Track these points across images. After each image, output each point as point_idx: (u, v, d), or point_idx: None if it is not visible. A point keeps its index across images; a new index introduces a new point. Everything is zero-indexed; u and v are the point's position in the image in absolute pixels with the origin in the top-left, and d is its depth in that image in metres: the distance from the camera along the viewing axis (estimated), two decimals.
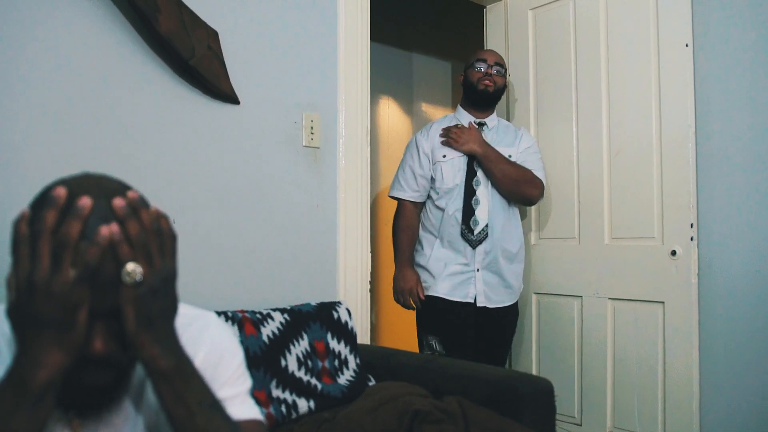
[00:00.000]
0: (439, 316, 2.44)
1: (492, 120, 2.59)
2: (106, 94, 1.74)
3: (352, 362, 1.97)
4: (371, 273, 2.37)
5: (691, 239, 2.27)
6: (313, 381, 1.84)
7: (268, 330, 1.81)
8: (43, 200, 0.78)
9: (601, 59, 2.55)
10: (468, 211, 2.42)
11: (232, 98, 1.98)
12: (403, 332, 3.61)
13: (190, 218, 1.87)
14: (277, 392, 1.74)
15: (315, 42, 2.22)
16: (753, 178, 2.20)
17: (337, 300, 2.15)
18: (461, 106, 2.62)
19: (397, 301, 2.52)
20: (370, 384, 1.92)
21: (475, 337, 2.45)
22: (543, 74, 2.77)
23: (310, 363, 1.87)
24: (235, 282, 1.97)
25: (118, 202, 0.78)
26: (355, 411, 1.66)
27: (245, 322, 1.77)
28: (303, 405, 1.77)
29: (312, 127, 2.18)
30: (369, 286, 2.33)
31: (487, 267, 2.44)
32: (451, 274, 2.44)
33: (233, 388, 0.93)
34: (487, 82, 2.50)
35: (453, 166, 2.46)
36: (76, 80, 1.69)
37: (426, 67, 3.90)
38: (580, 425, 2.57)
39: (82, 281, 0.74)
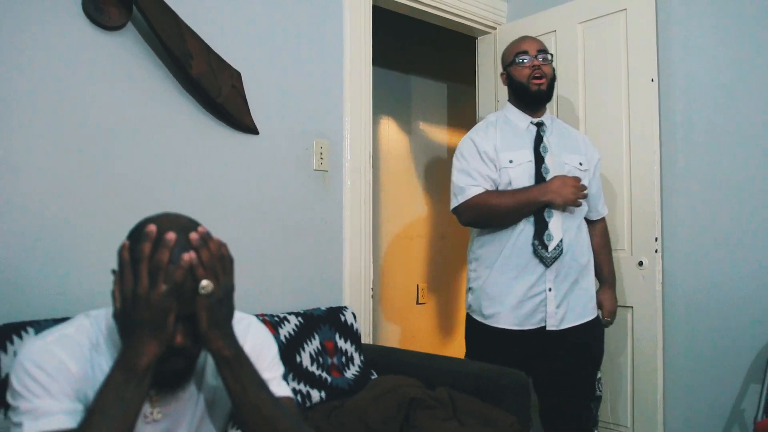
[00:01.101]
0: (495, 347, 2.18)
1: (547, 119, 2.32)
2: (147, 127, 2.04)
3: (357, 359, 2.27)
4: (373, 281, 2.66)
5: (656, 251, 2.57)
6: (324, 375, 2.13)
7: (285, 331, 2.11)
8: (138, 234, 1.07)
9: (578, 89, 2.85)
10: (541, 225, 2.14)
11: (252, 130, 2.28)
12: (400, 333, 3.91)
13: (218, 233, 2.15)
14: (293, 384, 2.04)
15: (323, 78, 2.52)
16: (711, 197, 2.49)
17: (343, 305, 2.45)
18: (511, 103, 2.34)
19: (564, 202, 2.13)
20: (373, 377, 2.22)
21: (542, 368, 2.20)
22: None
23: (321, 359, 2.16)
24: (256, 289, 2.27)
25: (193, 235, 1.08)
26: (361, 400, 1.96)
27: (266, 325, 2.07)
28: (315, 395, 2.07)
29: (321, 153, 2.48)
30: (371, 293, 2.63)
31: (559, 285, 2.16)
32: (519, 300, 2.16)
33: (271, 373, 1.23)
34: (538, 81, 2.22)
35: (523, 172, 2.18)
36: (124, 117, 1.99)
37: (423, 89, 4.20)
38: None
39: (171, 294, 1.03)
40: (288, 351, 2.07)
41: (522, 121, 2.29)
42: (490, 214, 2.18)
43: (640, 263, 2.59)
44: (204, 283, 1.05)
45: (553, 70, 2.30)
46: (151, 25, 1.97)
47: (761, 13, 2.37)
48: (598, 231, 2.41)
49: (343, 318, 2.30)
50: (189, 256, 1.05)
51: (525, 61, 2.24)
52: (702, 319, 2.50)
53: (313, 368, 2.12)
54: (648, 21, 2.61)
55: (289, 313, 2.19)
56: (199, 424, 1.23)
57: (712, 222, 2.48)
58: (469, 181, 2.21)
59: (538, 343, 2.17)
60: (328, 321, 2.26)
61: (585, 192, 2.17)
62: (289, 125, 2.40)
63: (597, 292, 2.36)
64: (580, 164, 2.26)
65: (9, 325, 1.64)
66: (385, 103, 3.83)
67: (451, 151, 4.34)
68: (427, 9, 2.94)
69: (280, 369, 1.27)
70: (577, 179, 2.15)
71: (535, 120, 2.29)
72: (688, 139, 2.55)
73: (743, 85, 2.41)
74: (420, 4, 2.90)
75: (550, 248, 2.14)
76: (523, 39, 2.33)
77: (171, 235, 1.05)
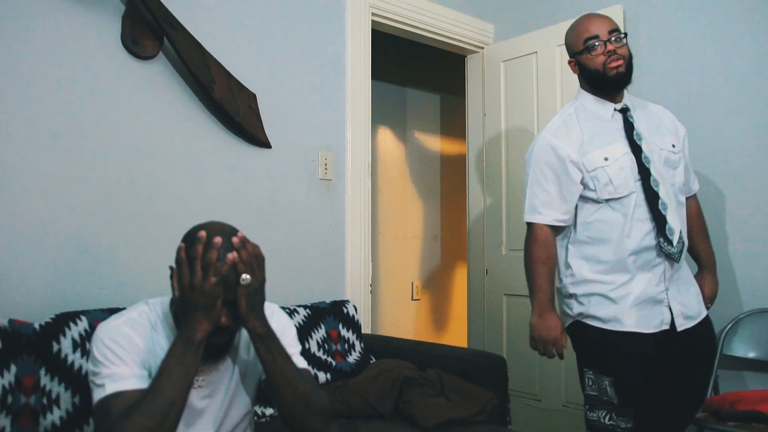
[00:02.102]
0: (613, 352, 1.95)
1: (628, 101, 2.07)
2: (177, 144, 2.34)
3: (358, 346, 2.58)
4: (371, 278, 2.97)
5: None
6: (329, 359, 2.44)
7: (295, 321, 2.42)
8: (192, 238, 1.38)
9: (557, 101, 3.16)
10: (660, 220, 1.92)
11: (266, 144, 2.59)
12: (397, 327, 4.22)
13: None
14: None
15: (327, 97, 2.83)
16: None
17: (345, 299, 2.76)
18: (585, 90, 2.09)
19: (534, 348, 2.04)
20: (372, 361, 2.53)
21: (659, 374, 1.99)
22: (512, 111, 3.38)
23: (326, 346, 2.47)
24: (269, 284, 2.55)
25: (235, 239, 1.38)
26: (361, 379, 2.27)
27: None
28: (322, 377, 2.38)
29: (326, 164, 2.79)
30: (370, 288, 2.94)
31: (675, 281, 1.99)
32: (639, 301, 1.94)
33: (292, 349, 1.54)
34: (615, 62, 1.96)
35: (623, 167, 1.95)
36: (157, 135, 2.30)
37: (418, 100, 4.52)
38: (540, 401, 3.18)
39: (219, 284, 1.34)
40: (298, 338, 2.37)
41: (604, 110, 2.03)
42: (526, 256, 2.06)
43: None
44: (244, 276, 1.36)
45: (628, 47, 2.02)
46: (180, 55, 2.28)
47: (718, 35, 2.68)
48: (693, 211, 2.18)
49: (345, 310, 2.61)
50: (232, 255, 1.36)
51: (597, 46, 1.97)
52: None
53: (320, 354, 2.43)
54: None
55: (299, 306, 2.50)
56: (234, 391, 1.54)
57: None
58: (538, 205, 2.03)
59: (662, 348, 1.94)
60: (332, 313, 2.57)
61: (557, 353, 2.02)
62: (298, 139, 2.71)
63: (695, 277, 2.16)
64: (673, 146, 2.04)
65: (65, 314, 1.94)
66: (382, 114, 4.14)
67: (443, 157, 4.66)
68: (421, 32, 3.26)
69: (299, 347, 1.58)
70: (560, 341, 1.99)
71: (619, 106, 2.03)
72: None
73: (704, 99, 2.72)
74: (414, 28, 3.22)
75: (675, 242, 1.93)
76: (590, 19, 2.03)
77: (218, 239, 1.36)
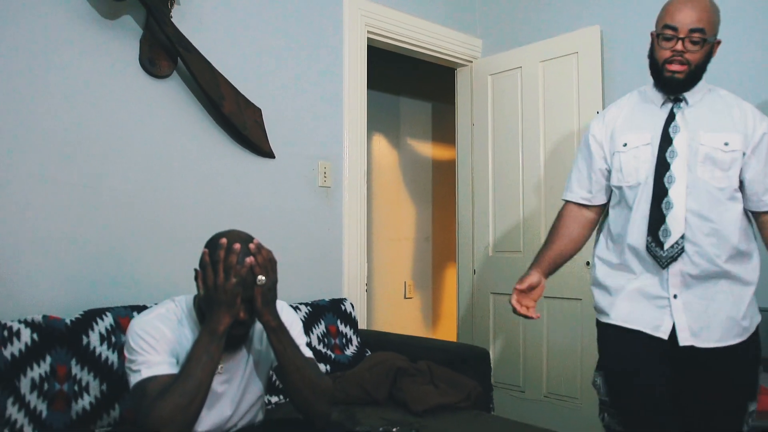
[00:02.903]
0: (611, 344, 1.89)
1: (695, 93, 1.86)
2: (189, 155, 2.56)
3: (355, 340, 2.81)
4: (366, 278, 3.20)
5: None
6: (329, 352, 2.67)
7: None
8: (214, 245, 1.60)
9: (540, 114, 3.39)
10: (656, 218, 1.79)
11: (270, 155, 2.81)
12: (390, 325, 4.45)
13: None
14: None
15: (326, 110, 3.05)
16: None
17: (343, 297, 2.98)
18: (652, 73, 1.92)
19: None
20: (367, 354, 2.76)
21: (669, 392, 1.81)
22: (498, 121, 3.61)
23: (326, 340, 2.70)
24: None
25: (252, 245, 1.61)
26: (358, 370, 2.50)
27: None
28: (322, 368, 2.59)
29: (325, 172, 3.02)
30: (365, 287, 3.17)
31: (692, 289, 1.79)
32: (634, 291, 1.84)
33: (299, 340, 1.76)
34: (675, 66, 1.79)
35: (637, 156, 1.85)
36: (172, 148, 2.51)
37: (410, 108, 4.75)
38: (523, 392, 3.42)
39: (239, 284, 1.56)
40: None
41: (657, 96, 1.90)
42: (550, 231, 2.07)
43: (588, 263, 3.14)
44: (260, 277, 1.59)
45: (711, 50, 1.82)
46: (193, 75, 2.49)
47: None
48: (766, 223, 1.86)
49: (343, 307, 2.84)
50: (250, 259, 1.58)
51: (670, 39, 1.79)
52: None
53: (320, 347, 2.65)
54: (595, 62, 3.16)
55: (300, 303, 2.72)
56: (249, 377, 1.76)
57: None
58: (572, 182, 2.04)
59: (657, 355, 1.80)
60: (331, 310, 2.79)
61: (524, 311, 1.92)
62: (299, 150, 2.93)
63: None
64: (725, 144, 1.79)
65: (92, 311, 2.16)
66: (377, 121, 4.37)
67: (434, 163, 4.90)
68: (414, 48, 3.49)
69: (305, 339, 1.81)
70: (527, 296, 1.94)
71: (673, 96, 1.87)
72: None
73: None
74: (407, 44, 3.44)
75: (667, 245, 1.77)
76: (680, 5, 1.80)
77: (237, 245, 1.58)
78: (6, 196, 2.12)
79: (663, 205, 1.79)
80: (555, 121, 3.33)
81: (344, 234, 3.08)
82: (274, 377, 1.91)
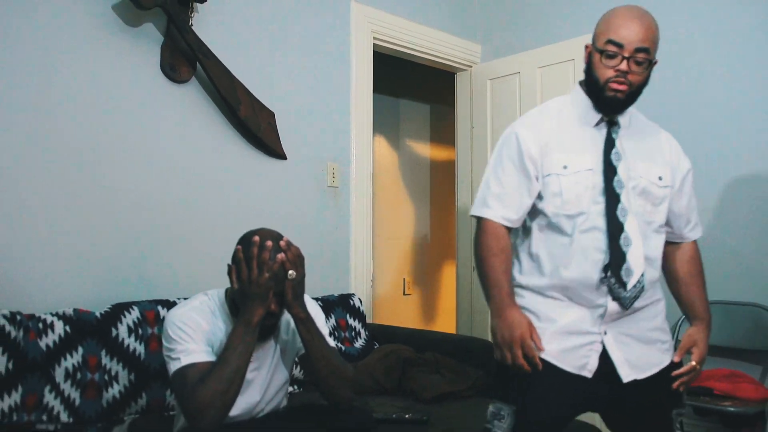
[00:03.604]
0: (538, 383, 1.64)
1: (625, 117, 1.74)
2: (208, 156, 2.69)
3: (363, 333, 2.95)
4: (372, 274, 3.34)
5: None
6: (339, 345, 2.80)
7: None
8: (248, 242, 1.73)
9: None
10: (617, 256, 1.62)
11: (282, 156, 2.93)
12: (389, 317, 4.58)
13: None
14: None
15: (335, 114, 3.18)
16: None
17: (351, 292, 3.12)
18: (581, 87, 1.76)
19: (501, 359, 1.66)
20: (376, 346, 2.90)
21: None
22: (497, 124, 3.74)
23: (336, 333, 2.83)
24: None
25: (282, 242, 1.74)
26: (369, 361, 2.64)
27: None
28: None
29: (333, 173, 3.15)
30: (371, 284, 3.31)
31: (618, 321, 1.66)
32: (564, 326, 1.66)
33: (323, 330, 1.89)
34: (617, 86, 1.63)
35: (578, 182, 1.66)
36: (191, 150, 2.64)
37: (409, 110, 4.89)
38: None
39: (271, 279, 1.69)
40: None
41: (591, 114, 1.72)
42: (476, 253, 1.74)
43: None
44: (290, 272, 1.72)
45: (648, 76, 1.69)
46: (211, 80, 2.62)
47: (674, 63, 3.08)
48: (687, 256, 1.82)
49: (351, 302, 2.97)
50: (281, 255, 1.71)
51: (614, 56, 1.63)
52: None
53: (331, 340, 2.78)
54: None
55: (311, 298, 2.85)
56: (276, 365, 1.89)
57: None
58: (490, 198, 1.73)
59: (581, 395, 1.66)
60: (340, 304, 2.92)
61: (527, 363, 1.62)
62: (309, 152, 3.06)
63: (678, 328, 1.93)
64: (660, 179, 1.72)
65: (119, 304, 2.28)
66: (377, 123, 4.46)
67: (432, 163, 5.04)
68: (417, 53, 3.62)
69: (327, 330, 1.94)
70: (527, 338, 1.62)
71: (608, 117, 1.72)
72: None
73: (662, 118, 3.10)
74: (411, 50, 3.58)
75: (630, 286, 1.62)
76: (629, 20, 1.64)
77: (269, 243, 1.71)
78: (38, 198, 2.24)
79: (622, 242, 1.63)
80: None
81: (351, 232, 3.21)
82: (298, 367, 2.04)
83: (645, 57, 1.64)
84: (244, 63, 2.80)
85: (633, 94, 1.68)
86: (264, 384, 1.86)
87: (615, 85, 1.63)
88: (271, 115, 2.87)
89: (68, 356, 2.09)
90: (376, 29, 3.35)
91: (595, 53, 1.67)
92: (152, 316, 2.31)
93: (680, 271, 1.82)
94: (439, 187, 4.99)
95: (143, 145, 2.50)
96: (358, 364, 2.63)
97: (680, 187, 1.78)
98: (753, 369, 2.76)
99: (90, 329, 2.17)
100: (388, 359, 2.60)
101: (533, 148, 1.69)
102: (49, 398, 2.01)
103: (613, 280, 1.61)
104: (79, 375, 2.10)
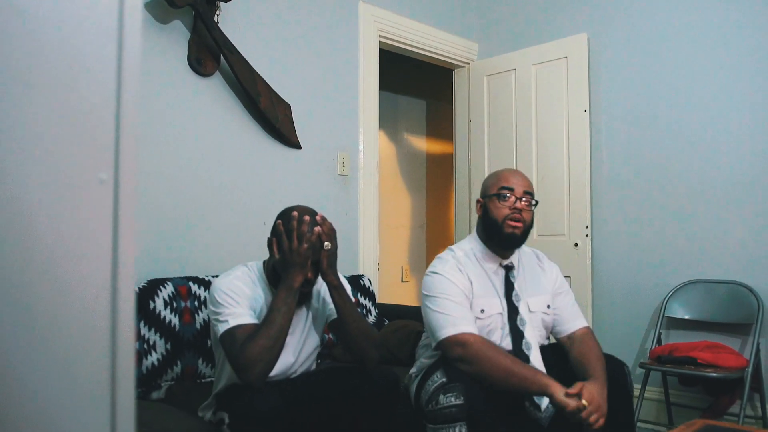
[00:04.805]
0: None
1: (515, 258, 2.12)
2: (230, 145, 2.88)
3: (373, 311, 3.15)
4: (378, 257, 3.54)
5: (587, 235, 3.51)
6: None
7: None
8: (287, 217, 1.93)
9: (532, 113, 3.77)
10: None
11: (297, 146, 3.13)
12: (396, 295, 4.78)
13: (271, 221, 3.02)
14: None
15: (345, 106, 3.39)
16: (627, 196, 3.44)
17: (361, 273, 3.32)
18: (479, 237, 2.13)
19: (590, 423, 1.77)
20: (386, 323, 3.10)
21: None
22: (494, 121, 3.98)
23: None
24: None
25: (318, 217, 1.94)
26: (382, 334, 2.84)
27: None
28: None
29: (343, 162, 3.35)
30: (377, 266, 3.51)
31: None
32: None
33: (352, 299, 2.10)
34: (514, 223, 2.00)
35: (489, 324, 1.99)
36: (213, 138, 2.83)
37: (407, 105, 5.10)
38: None
39: (309, 249, 1.89)
40: None
41: (490, 262, 2.08)
42: (492, 365, 1.82)
43: (576, 244, 3.53)
44: (326, 243, 1.92)
45: (533, 216, 2.08)
46: (235, 74, 2.81)
47: (663, 61, 3.32)
48: (577, 338, 2.06)
49: (362, 282, 3.18)
50: (317, 228, 1.91)
51: (507, 197, 2.02)
52: (619, 283, 3.45)
53: None
54: (582, 66, 3.55)
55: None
56: (308, 330, 2.09)
57: (628, 214, 3.44)
58: (458, 320, 1.90)
59: None
60: (351, 284, 3.10)
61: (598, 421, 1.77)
62: (322, 141, 3.26)
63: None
64: (548, 307, 2.08)
65: (155, 280, 2.46)
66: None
67: (429, 156, 5.25)
68: (417, 50, 3.84)
69: (353, 298, 2.15)
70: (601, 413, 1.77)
71: (505, 262, 2.08)
72: (610, 153, 3.50)
73: (650, 112, 3.36)
74: (412, 47, 3.79)
75: (543, 407, 1.89)
76: (513, 173, 2.11)
77: (307, 217, 1.91)
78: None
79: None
80: (546, 118, 3.70)
81: (360, 217, 3.42)
82: (329, 332, 2.24)
83: (530, 199, 2.05)
84: (263, 58, 2.99)
85: (526, 232, 2.05)
86: (298, 347, 2.06)
87: (512, 222, 2.01)
88: (288, 107, 3.06)
89: None
90: (382, 27, 3.56)
91: (489, 201, 2.07)
92: (185, 291, 2.50)
93: (575, 352, 2.04)
94: (435, 180, 5.20)
95: (171, 133, 2.69)
96: None
97: (557, 292, 2.14)
98: (733, 341, 3.00)
99: None
100: (400, 333, 2.80)
101: (461, 284, 2.00)
102: None
103: (528, 404, 1.92)
104: None
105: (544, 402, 1.88)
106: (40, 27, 0.62)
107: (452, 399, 1.75)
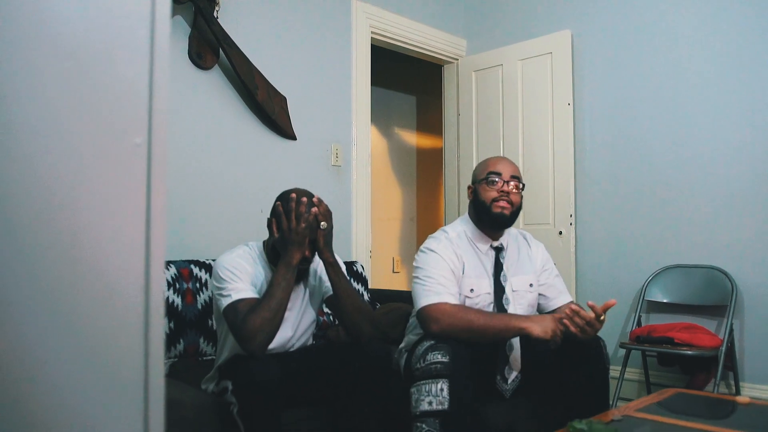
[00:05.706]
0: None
1: (505, 239, 2.26)
2: (228, 136, 3.00)
3: (366, 295, 3.28)
4: (370, 245, 3.68)
5: (571, 224, 3.65)
6: None
7: None
8: (286, 198, 2.05)
9: (518, 107, 3.91)
10: (502, 358, 2.13)
11: (293, 137, 3.26)
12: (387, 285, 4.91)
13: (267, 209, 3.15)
14: (327, 310, 3.03)
15: (338, 99, 3.52)
16: (609, 187, 3.59)
17: (354, 260, 3.45)
18: (471, 220, 2.26)
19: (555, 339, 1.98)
20: (378, 306, 3.24)
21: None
22: (482, 115, 4.12)
23: None
24: None
25: (315, 198, 2.07)
26: (376, 314, 2.96)
27: None
28: None
29: (337, 153, 3.48)
30: (369, 253, 3.65)
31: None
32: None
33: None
34: (503, 203, 2.14)
35: (478, 303, 2.14)
36: (212, 129, 2.95)
37: (397, 101, 5.24)
38: None
39: (306, 228, 2.02)
40: None
41: (481, 243, 2.21)
42: (467, 327, 1.95)
43: (560, 232, 3.68)
44: (323, 223, 2.05)
45: (521, 198, 2.21)
46: (234, 67, 2.93)
47: (644, 57, 3.47)
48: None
49: (355, 268, 3.31)
50: (314, 209, 2.04)
51: (496, 182, 2.16)
52: (602, 269, 3.60)
53: None
54: (566, 61, 3.69)
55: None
56: (305, 306, 2.22)
57: (610, 203, 3.59)
58: (441, 289, 2.03)
59: None
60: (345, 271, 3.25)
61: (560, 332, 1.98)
62: (316, 133, 3.39)
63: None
64: (530, 285, 2.23)
65: None
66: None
67: (419, 150, 5.39)
68: (408, 46, 3.97)
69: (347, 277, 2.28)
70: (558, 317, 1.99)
71: (495, 243, 2.22)
72: (593, 145, 3.65)
73: (631, 106, 3.51)
74: (403, 43, 3.93)
75: (510, 380, 2.16)
76: (501, 160, 2.25)
77: (305, 199, 2.04)
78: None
79: (507, 348, 2.13)
80: (532, 112, 3.85)
81: (352, 207, 3.55)
82: (325, 308, 2.37)
83: (517, 183, 2.18)
84: (260, 52, 3.12)
85: (515, 214, 2.18)
86: (296, 322, 2.19)
87: (501, 203, 2.14)
88: (284, 99, 3.19)
89: None
90: (374, 24, 3.69)
91: (479, 186, 2.21)
92: (187, 273, 2.62)
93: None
94: (424, 173, 5.34)
95: (174, 123, 2.80)
96: None
97: (541, 272, 2.29)
98: (708, 322, 3.15)
99: None
100: (392, 314, 2.93)
101: (457, 269, 2.13)
102: None
103: (498, 377, 2.13)
104: None
105: (512, 375, 2.14)
106: (86, 11, 0.74)
107: (438, 356, 1.88)
